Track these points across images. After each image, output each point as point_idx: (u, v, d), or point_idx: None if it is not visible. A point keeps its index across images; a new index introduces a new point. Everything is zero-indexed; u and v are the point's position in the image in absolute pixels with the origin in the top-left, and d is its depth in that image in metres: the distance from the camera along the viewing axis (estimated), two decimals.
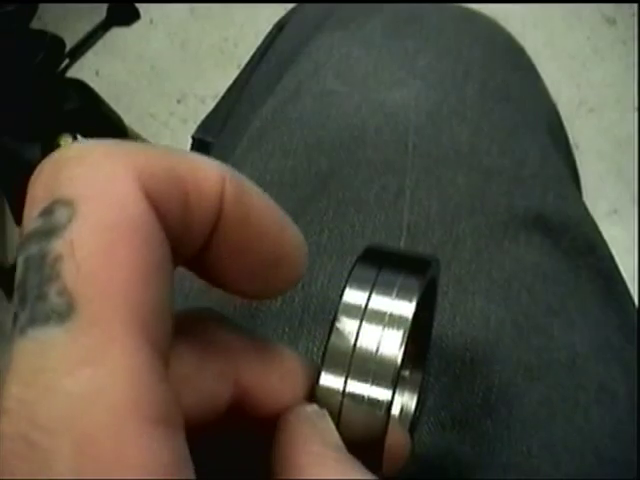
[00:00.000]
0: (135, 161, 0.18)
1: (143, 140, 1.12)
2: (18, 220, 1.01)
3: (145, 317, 0.17)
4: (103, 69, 1.74)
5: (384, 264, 0.25)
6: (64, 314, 0.16)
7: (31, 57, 0.90)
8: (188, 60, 1.76)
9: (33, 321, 0.16)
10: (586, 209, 0.53)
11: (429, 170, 0.46)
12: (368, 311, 0.24)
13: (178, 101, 1.71)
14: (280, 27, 0.64)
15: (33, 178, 0.18)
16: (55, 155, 0.18)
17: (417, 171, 0.46)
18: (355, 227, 0.43)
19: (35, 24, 0.93)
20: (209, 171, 0.19)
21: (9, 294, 1.41)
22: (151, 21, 1.80)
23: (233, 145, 0.52)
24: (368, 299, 0.24)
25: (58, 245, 0.17)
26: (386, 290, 0.24)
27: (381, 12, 0.58)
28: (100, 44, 0.99)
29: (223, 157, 0.54)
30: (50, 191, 0.17)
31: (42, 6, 0.89)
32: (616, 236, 1.54)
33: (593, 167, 1.61)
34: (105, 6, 1.12)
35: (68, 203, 0.17)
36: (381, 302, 0.24)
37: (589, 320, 0.45)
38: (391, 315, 0.24)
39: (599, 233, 0.51)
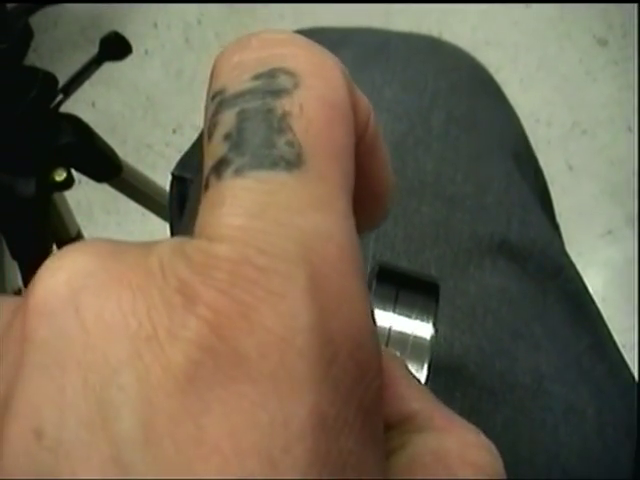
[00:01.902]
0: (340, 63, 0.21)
1: (139, 174, 1.13)
2: (14, 254, 1.01)
3: (350, 187, 0.19)
4: (99, 100, 1.75)
5: (401, 286, 0.26)
6: (293, 163, 0.18)
7: (24, 94, 0.91)
8: (183, 90, 1.78)
9: (257, 165, 0.18)
10: (553, 232, 0.53)
11: (395, 201, 0.47)
12: (392, 332, 0.25)
13: (174, 131, 1.73)
14: None
15: (234, 48, 0.20)
16: (262, 33, 0.20)
17: None
18: None
19: (30, 56, 0.94)
20: (365, 99, 0.21)
21: None
22: (146, 52, 1.81)
23: None
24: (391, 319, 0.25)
25: (287, 104, 0.18)
26: (407, 311, 0.25)
27: (350, 45, 0.59)
28: (96, 76, 1.00)
29: (200, 193, 0.55)
30: (266, 61, 0.19)
31: (37, 38, 0.90)
32: (611, 257, 1.55)
33: (587, 188, 1.61)
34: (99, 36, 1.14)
35: (292, 74, 0.19)
36: (403, 323, 0.25)
37: (557, 341, 0.46)
38: (415, 337, 0.25)
39: (567, 256, 0.52)
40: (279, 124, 0.18)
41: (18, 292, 1.35)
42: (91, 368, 0.17)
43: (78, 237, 1.12)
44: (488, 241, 0.47)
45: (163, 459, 0.16)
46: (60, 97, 0.97)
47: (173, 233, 0.71)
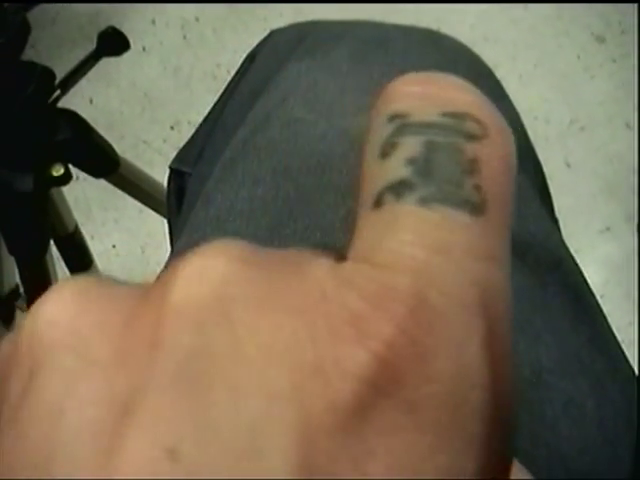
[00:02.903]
0: None
1: (136, 170, 1.13)
2: (11, 249, 1.01)
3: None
4: (97, 97, 1.75)
5: None
6: (478, 208, 0.17)
7: (22, 89, 0.91)
8: (181, 87, 1.78)
9: (444, 200, 0.17)
10: (553, 225, 0.53)
11: None
12: None
13: (171, 127, 1.73)
14: (252, 58, 0.65)
15: (417, 78, 0.20)
16: (447, 75, 0.20)
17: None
18: None
19: (28, 52, 0.94)
20: None
21: (6, 322, 1.42)
22: (144, 49, 1.81)
23: (208, 175, 0.54)
24: None
25: (477, 149, 0.18)
26: None
27: (348, 39, 0.59)
28: (94, 72, 1.00)
29: (198, 187, 0.55)
30: (454, 102, 0.19)
31: (35, 34, 0.90)
32: (610, 253, 1.55)
33: (585, 185, 1.61)
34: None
35: (480, 123, 0.19)
36: None
37: (557, 334, 0.46)
38: None
39: (566, 248, 0.51)
40: (469, 166, 0.18)
41: (15, 288, 1.35)
42: (244, 392, 0.15)
43: (76, 233, 1.11)
44: None
45: None
46: (58, 92, 0.97)
47: (171, 228, 0.70)
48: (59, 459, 0.16)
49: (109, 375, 0.16)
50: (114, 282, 0.19)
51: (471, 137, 0.18)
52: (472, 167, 0.18)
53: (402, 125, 0.19)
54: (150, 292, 0.18)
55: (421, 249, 0.17)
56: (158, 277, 0.18)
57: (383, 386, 0.15)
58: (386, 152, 0.19)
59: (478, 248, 0.17)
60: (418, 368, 0.16)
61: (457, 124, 0.19)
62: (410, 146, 0.18)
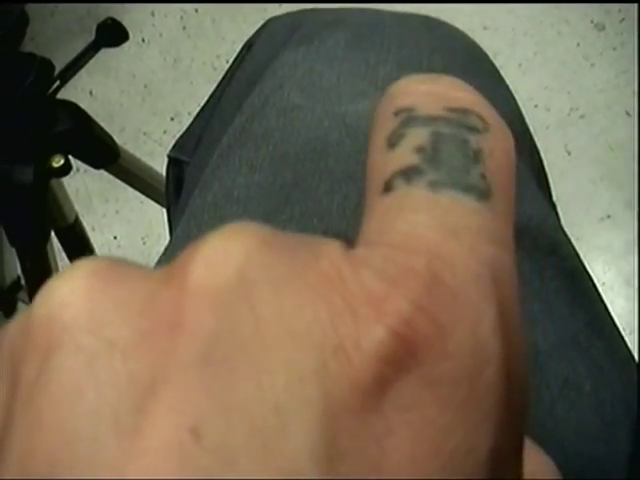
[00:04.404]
0: None
1: (137, 160, 1.13)
2: (12, 241, 1.02)
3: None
4: (97, 89, 1.75)
5: None
6: (484, 194, 0.18)
7: (21, 80, 0.91)
8: (181, 78, 1.78)
9: (452, 185, 0.18)
10: (550, 209, 0.53)
11: None
12: None
13: (171, 119, 1.73)
14: (249, 46, 0.65)
15: (422, 78, 0.21)
16: (451, 77, 0.21)
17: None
18: None
19: (27, 45, 0.94)
20: None
21: (7, 314, 1.42)
22: (143, 40, 1.81)
23: (206, 163, 0.54)
24: None
25: (481, 141, 0.19)
26: None
27: (344, 26, 0.59)
28: (93, 64, 0.99)
29: (196, 175, 0.55)
30: (457, 99, 0.20)
31: (34, 27, 0.91)
32: (610, 241, 1.55)
33: (586, 173, 1.61)
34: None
35: (482, 119, 0.19)
36: None
37: (554, 318, 0.46)
38: None
39: (563, 232, 0.52)
40: (475, 156, 0.18)
41: (17, 280, 1.35)
42: (270, 372, 0.15)
43: (76, 224, 1.12)
44: None
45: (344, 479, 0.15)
46: (57, 84, 0.97)
47: (170, 217, 0.71)
48: (80, 440, 0.15)
49: (129, 356, 0.16)
50: (126, 263, 0.19)
51: (474, 130, 0.19)
52: (477, 157, 0.18)
53: (409, 118, 0.19)
54: (169, 273, 0.18)
55: (434, 231, 0.17)
56: (176, 259, 0.18)
57: (403, 363, 0.16)
58: (394, 142, 0.19)
59: (487, 231, 0.17)
60: (436, 344, 0.16)
61: (461, 118, 0.19)
62: (418, 136, 0.19)
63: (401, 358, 0.16)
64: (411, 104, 0.20)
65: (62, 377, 0.16)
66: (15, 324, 0.19)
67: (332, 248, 0.18)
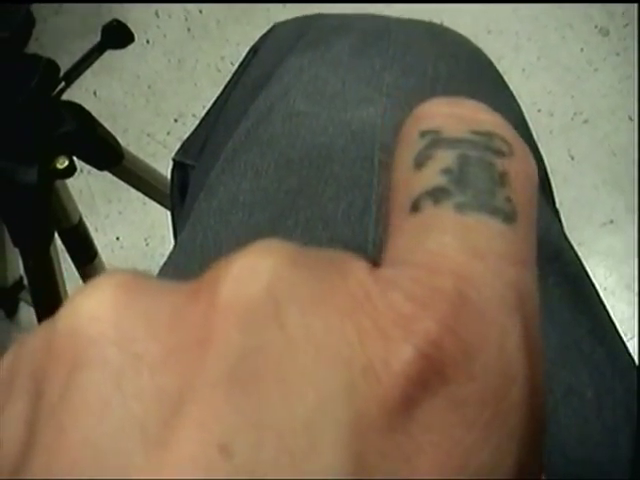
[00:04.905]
0: None
1: (140, 162, 1.13)
2: (15, 241, 1.02)
3: None
4: (101, 89, 1.75)
5: None
6: (510, 217, 0.18)
7: (26, 81, 0.91)
8: (185, 79, 1.78)
9: (479, 207, 0.18)
10: (553, 216, 0.54)
11: None
12: None
13: (175, 120, 1.73)
14: (255, 51, 0.65)
15: (446, 100, 0.21)
16: (474, 101, 0.21)
17: (383, 187, 0.47)
18: (322, 244, 0.45)
19: (32, 45, 0.94)
20: None
21: (9, 314, 1.43)
22: (148, 41, 1.81)
23: (211, 167, 0.54)
24: None
25: (506, 164, 0.19)
26: None
27: (350, 32, 0.59)
28: (98, 65, 1.00)
29: (201, 180, 0.55)
30: (481, 122, 0.20)
31: (40, 28, 0.91)
32: (613, 246, 1.55)
33: (589, 178, 1.61)
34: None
35: (506, 142, 0.20)
36: None
37: (557, 325, 0.46)
38: None
39: (566, 239, 0.52)
40: (500, 179, 0.19)
41: (19, 280, 1.36)
42: (299, 391, 0.16)
43: (80, 225, 1.12)
44: None
45: None
46: (62, 85, 0.97)
47: (174, 220, 0.71)
48: (106, 454, 0.15)
49: (156, 371, 0.16)
50: (149, 276, 0.19)
51: (500, 153, 0.19)
52: (502, 180, 0.19)
53: (435, 140, 0.20)
54: (197, 288, 0.18)
55: (460, 252, 0.17)
56: (203, 276, 0.18)
57: (430, 384, 0.16)
58: (421, 163, 0.19)
59: (511, 253, 0.18)
60: (463, 365, 0.16)
61: (486, 141, 0.19)
62: (445, 158, 0.19)
63: (429, 378, 0.16)
64: (437, 126, 0.20)
65: (88, 391, 0.16)
66: (35, 338, 0.19)
67: (359, 267, 0.18)
